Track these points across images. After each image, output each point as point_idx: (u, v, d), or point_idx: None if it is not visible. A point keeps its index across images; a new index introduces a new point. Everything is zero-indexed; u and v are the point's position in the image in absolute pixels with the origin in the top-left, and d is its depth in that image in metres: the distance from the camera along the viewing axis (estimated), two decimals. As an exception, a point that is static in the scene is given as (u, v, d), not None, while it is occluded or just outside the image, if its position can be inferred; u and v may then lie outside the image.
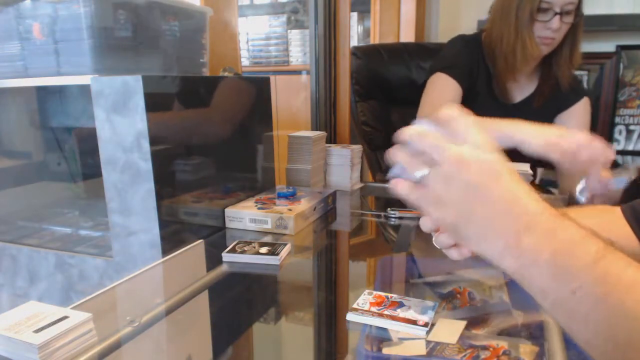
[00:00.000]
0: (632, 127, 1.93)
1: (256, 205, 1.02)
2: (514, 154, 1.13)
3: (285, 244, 0.85)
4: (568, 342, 0.55)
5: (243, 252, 0.83)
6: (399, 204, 1.29)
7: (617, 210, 0.60)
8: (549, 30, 1.14)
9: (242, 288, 0.81)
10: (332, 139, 1.50)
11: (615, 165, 0.87)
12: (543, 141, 0.80)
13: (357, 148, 1.34)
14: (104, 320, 0.61)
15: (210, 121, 1.00)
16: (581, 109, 1.31)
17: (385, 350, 0.55)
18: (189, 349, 0.61)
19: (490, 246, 0.41)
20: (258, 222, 0.98)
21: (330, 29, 1.43)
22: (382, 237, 1.08)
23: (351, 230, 1.09)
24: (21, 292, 1.03)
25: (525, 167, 1.09)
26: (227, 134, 1.06)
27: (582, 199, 0.93)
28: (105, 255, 0.93)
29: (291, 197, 1.08)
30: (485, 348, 0.54)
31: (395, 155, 0.45)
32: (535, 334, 0.58)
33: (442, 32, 2.21)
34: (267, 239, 0.94)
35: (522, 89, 1.30)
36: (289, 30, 2.81)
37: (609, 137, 1.95)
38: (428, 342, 0.55)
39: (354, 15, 2.69)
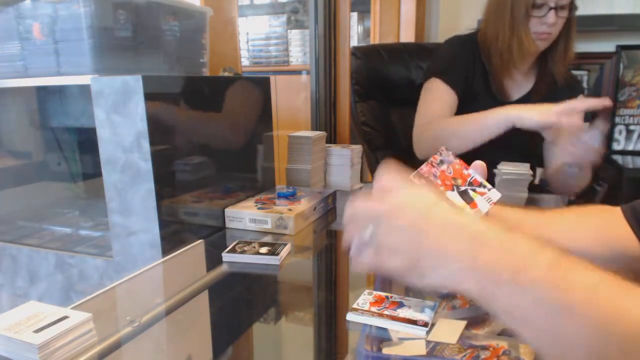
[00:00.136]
0: (632, 127, 1.93)
1: (256, 205, 1.02)
2: (514, 155, 1.14)
3: (285, 244, 0.85)
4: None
5: (243, 252, 0.83)
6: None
7: (617, 210, 0.60)
8: (544, 25, 1.15)
9: (242, 288, 0.81)
10: (332, 139, 1.50)
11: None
12: (537, 114, 1.03)
13: (357, 148, 1.34)
14: (104, 320, 0.61)
15: (211, 121, 1.00)
16: None
17: (385, 350, 0.55)
18: (189, 349, 0.61)
19: (447, 271, 0.41)
20: (258, 222, 0.98)
21: (330, 29, 1.44)
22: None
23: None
24: (21, 292, 1.03)
25: (525, 167, 1.09)
26: (227, 133, 1.06)
27: (572, 169, 1.10)
28: (105, 255, 0.93)
29: (291, 197, 1.08)
30: (485, 348, 0.54)
31: (347, 235, 0.49)
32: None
33: (442, 32, 2.21)
34: (267, 239, 0.94)
35: (519, 87, 1.31)
36: (289, 30, 2.81)
37: (609, 137, 1.95)
38: (428, 342, 0.55)
39: (354, 15, 2.69)
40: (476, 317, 0.61)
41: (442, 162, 0.59)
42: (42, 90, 1.14)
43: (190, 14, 1.04)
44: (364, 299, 0.64)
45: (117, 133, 0.82)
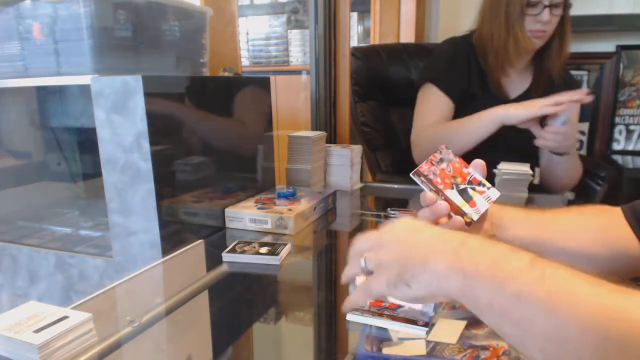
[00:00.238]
0: (632, 127, 1.93)
1: (256, 205, 1.02)
2: (514, 155, 1.14)
3: (285, 244, 0.85)
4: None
5: (243, 252, 0.83)
6: (399, 203, 1.29)
7: (617, 210, 0.60)
8: (539, 23, 1.17)
9: (242, 288, 0.81)
10: (332, 139, 1.50)
11: None
12: (523, 109, 1.09)
13: (357, 148, 1.34)
14: (104, 320, 0.61)
15: (211, 121, 1.00)
16: None
17: (385, 350, 0.55)
18: (189, 349, 0.61)
19: (432, 273, 0.43)
20: (258, 222, 0.98)
21: (330, 29, 1.43)
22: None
23: (351, 230, 1.09)
24: (21, 292, 1.03)
25: (525, 167, 1.09)
26: (228, 133, 1.06)
27: (558, 158, 1.18)
28: (105, 255, 0.93)
29: (291, 197, 1.08)
30: (485, 348, 0.54)
31: (347, 269, 0.53)
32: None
33: (442, 32, 2.21)
34: (267, 239, 0.94)
35: (517, 85, 1.32)
36: (289, 30, 2.81)
37: (609, 137, 1.95)
38: (428, 342, 0.55)
39: (354, 15, 2.68)
40: (476, 317, 0.61)
41: (441, 160, 0.59)
42: (42, 90, 1.14)
43: (190, 14, 1.04)
44: (364, 299, 0.64)
45: (117, 133, 0.82)
